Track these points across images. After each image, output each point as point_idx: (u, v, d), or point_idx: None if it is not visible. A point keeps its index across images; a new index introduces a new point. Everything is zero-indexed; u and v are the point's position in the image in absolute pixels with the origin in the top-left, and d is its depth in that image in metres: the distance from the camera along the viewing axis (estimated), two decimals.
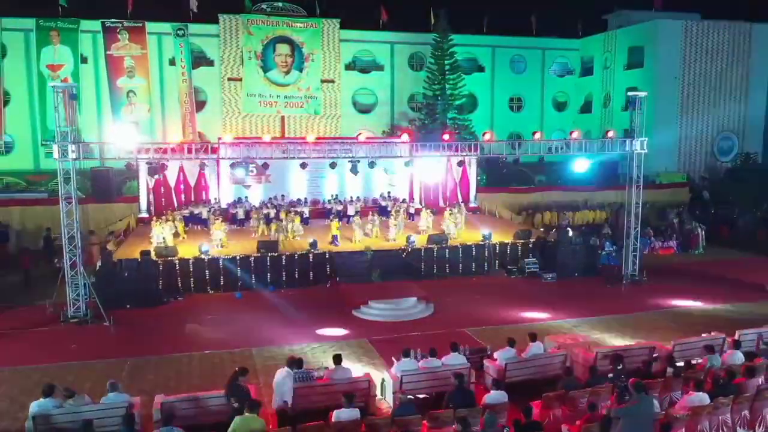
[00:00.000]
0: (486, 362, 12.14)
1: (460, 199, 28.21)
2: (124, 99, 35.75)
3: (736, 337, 13.21)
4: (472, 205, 28.54)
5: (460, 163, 25.40)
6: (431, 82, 38.05)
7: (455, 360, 11.53)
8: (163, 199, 25.08)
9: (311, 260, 19.63)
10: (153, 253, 18.48)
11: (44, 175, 31.87)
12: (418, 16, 40.76)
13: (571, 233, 21.81)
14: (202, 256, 18.74)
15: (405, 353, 11.42)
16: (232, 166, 19.62)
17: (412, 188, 28.52)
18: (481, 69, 42.04)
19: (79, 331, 15.27)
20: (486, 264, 21.24)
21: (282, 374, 10.54)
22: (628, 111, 38.23)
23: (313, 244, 19.82)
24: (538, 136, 22.10)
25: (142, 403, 10.28)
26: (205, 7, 36.60)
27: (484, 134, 23.56)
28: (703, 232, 25.45)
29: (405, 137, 25.51)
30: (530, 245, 21.61)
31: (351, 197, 26.41)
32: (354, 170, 19.35)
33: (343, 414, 9.21)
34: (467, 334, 15.27)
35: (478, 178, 36.04)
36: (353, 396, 9.41)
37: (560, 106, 44.53)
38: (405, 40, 40.09)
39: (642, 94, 19.74)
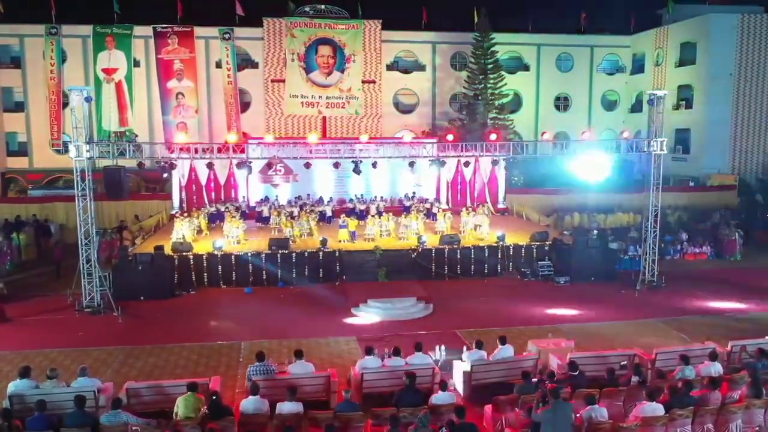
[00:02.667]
0: (455, 363, 12.15)
1: (488, 200, 27.96)
2: (173, 100, 37.41)
3: (728, 348, 12.68)
4: (500, 206, 28.22)
5: (495, 162, 25.05)
6: (471, 82, 37.80)
7: (419, 360, 11.60)
8: (194, 197, 26.16)
9: (321, 258, 20.04)
10: (170, 248, 19.36)
11: (98, 174, 33.86)
12: (462, 16, 40.56)
13: (588, 236, 21.20)
14: (215, 252, 19.49)
15: (368, 351, 11.61)
16: (238, 166, 20.28)
17: (439, 188, 28.45)
18: (525, 68, 41.34)
19: (89, 320, 16.28)
20: (499, 266, 21.01)
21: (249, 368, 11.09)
22: (679, 109, 37.61)
23: (324, 243, 20.22)
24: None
25: (115, 388, 10.92)
26: (251, 11, 37.78)
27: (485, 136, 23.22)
28: (741, 238, 24.09)
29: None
30: (546, 248, 21.21)
31: (375, 197, 26.66)
32: (357, 170, 19.62)
33: (285, 407, 9.51)
34: (458, 336, 15.27)
35: (515, 178, 35.75)
36: (295, 390, 9.69)
37: (610, 105, 43.16)
38: (447, 39, 39.93)
39: (661, 93, 19.06)
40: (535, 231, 21.89)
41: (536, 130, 40.92)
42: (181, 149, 21.38)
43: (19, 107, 36.46)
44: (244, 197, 26.73)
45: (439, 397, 9.88)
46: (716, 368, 11.11)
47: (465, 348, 12.53)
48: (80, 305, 16.81)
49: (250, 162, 19.74)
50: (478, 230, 22.53)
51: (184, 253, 19.37)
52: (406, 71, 40.47)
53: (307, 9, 37.75)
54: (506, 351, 11.95)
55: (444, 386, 9.96)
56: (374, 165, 20.37)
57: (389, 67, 39.96)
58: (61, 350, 14.04)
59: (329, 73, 38.56)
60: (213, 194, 26.43)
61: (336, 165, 20.44)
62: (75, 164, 16.50)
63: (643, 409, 9.41)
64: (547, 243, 21.33)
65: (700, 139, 36.53)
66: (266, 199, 26.43)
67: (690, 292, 19.19)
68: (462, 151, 23.97)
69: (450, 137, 23.17)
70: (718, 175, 34.71)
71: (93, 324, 15.99)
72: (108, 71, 36.45)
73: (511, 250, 21.11)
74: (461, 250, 20.80)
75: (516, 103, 41.44)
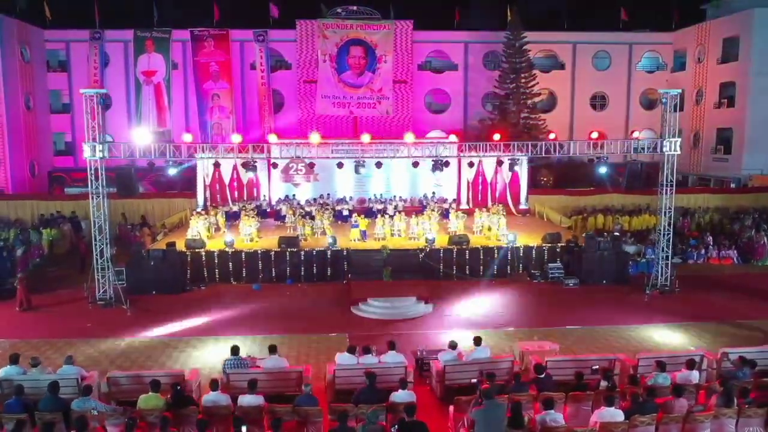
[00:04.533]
0: (432, 363, 12.21)
1: (510, 200, 27.70)
2: (209, 101, 38.56)
3: (718, 355, 12.29)
4: (522, 206, 27.90)
5: (515, 163, 24.74)
6: (503, 81, 37.44)
7: (392, 358, 11.72)
8: (218, 195, 26.95)
9: (329, 257, 20.34)
10: (183, 245, 20.05)
11: (139, 173, 35.31)
12: (495, 14, 40.21)
13: (600, 238, 20.75)
14: (227, 249, 20.06)
15: (349, 349, 11.82)
16: (243, 166, 20.79)
17: (460, 188, 28.34)
18: (561, 66, 40.62)
19: (99, 313, 17.07)
20: (509, 267, 20.82)
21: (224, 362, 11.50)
22: (720, 108, 36.18)
23: (333, 241, 20.51)
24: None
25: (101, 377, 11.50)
26: (284, 13, 38.52)
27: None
28: None
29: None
30: (558, 249, 20.90)
31: (394, 196, 26.83)
32: (357, 170, 19.84)
33: (245, 399, 9.83)
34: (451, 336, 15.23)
35: (544, 179, 35.21)
36: (255, 383, 10.00)
37: (650, 104, 41.90)
38: (480, 39, 39.62)
39: (674, 91, 18.43)
40: (547, 232, 21.54)
41: (571, 130, 40.21)
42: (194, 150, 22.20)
43: (66, 109, 38.36)
44: (265, 196, 27.34)
45: (397, 395, 9.98)
46: (693, 376, 10.81)
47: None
48: (93, 298, 17.62)
49: (255, 162, 20.23)
50: (492, 231, 22.34)
51: (196, 250, 20.02)
52: (438, 71, 40.46)
53: (339, 10, 38.16)
54: (481, 352, 11.92)
55: (404, 384, 10.05)
56: (378, 165, 20.50)
57: (421, 67, 40.02)
58: (68, 340, 14.81)
59: (360, 74, 38.90)
60: (236, 193, 27.14)
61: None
62: (89, 163, 17.32)
63: (601, 414, 9.28)
64: (559, 245, 20.98)
65: (742, 139, 35.04)
66: (286, 198, 26.96)
67: (704, 297, 18.60)
68: (485, 151, 23.76)
69: (453, 137, 23.00)
70: (760, 177, 33.22)
71: (101, 316, 16.76)
72: (147, 74, 37.90)
73: (521, 251, 20.88)
74: (470, 251, 20.72)
75: (551, 103, 40.82)
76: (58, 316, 16.88)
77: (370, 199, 27.37)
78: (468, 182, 28.09)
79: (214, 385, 9.92)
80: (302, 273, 20.25)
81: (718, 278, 20.95)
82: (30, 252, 22.39)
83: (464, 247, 20.74)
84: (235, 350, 11.50)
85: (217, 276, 20.05)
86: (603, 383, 10.45)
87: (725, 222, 26.69)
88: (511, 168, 25.77)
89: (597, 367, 10.98)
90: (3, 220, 25.45)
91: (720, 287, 19.72)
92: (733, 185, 34.19)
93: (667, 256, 19.03)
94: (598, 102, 41.18)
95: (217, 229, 22.95)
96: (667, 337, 15.12)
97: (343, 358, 11.67)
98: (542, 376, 10.49)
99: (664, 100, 18.48)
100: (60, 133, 38.86)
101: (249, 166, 19.80)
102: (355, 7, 38.33)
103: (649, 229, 25.06)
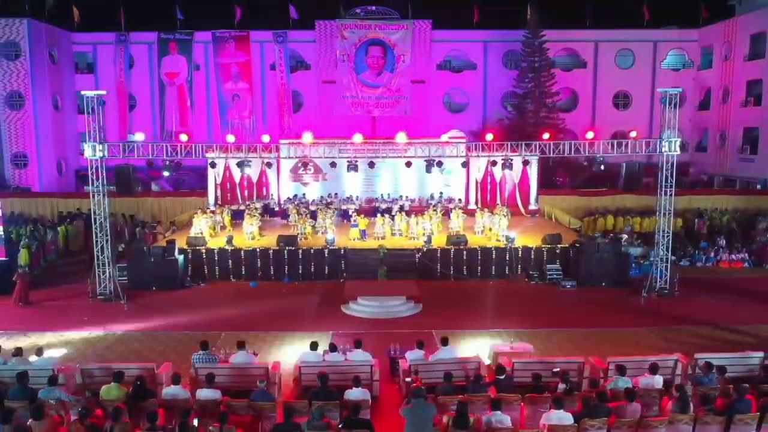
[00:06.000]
0: (401, 362, 12.28)
1: (519, 201, 27.49)
2: (230, 102, 39.29)
3: (692, 360, 12.00)
4: (531, 207, 27.62)
5: (525, 162, 24.48)
6: (521, 80, 37.11)
7: (358, 356, 11.84)
8: (228, 194, 27.49)
9: (326, 255, 20.55)
10: (185, 243, 20.55)
11: (157, 171, 36.31)
12: (514, 13, 39.77)
13: (600, 240, 20.43)
14: (227, 247, 20.48)
15: (311, 346, 12.00)
16: (238, 165, 21.16)
17: (468, 188, 28.22)
18: (582, 64, 39.99)
19: (98, 307, 17.67)
20: (507, 268, 20.68)
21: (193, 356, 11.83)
22: (747, 106, 35.06)
23: (331, 241, 20.72)
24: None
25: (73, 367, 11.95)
26: (304, 14, 38.96)
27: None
28: None
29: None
30: (557, 251, 20.66)
31: (400, 196, 26.93)
32: (350, 169, 20.00)
33: (203, 393, 10.09)
34: (432, 336, 15.26)
35: (560, 179, 34.76)
36: (213, 376, 10.26)
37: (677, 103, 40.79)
38: (499, 37, 39.30)
39: (673, 90, 18.03)
40: (548, 233, 21.32)
41: (593, 129, 39.44)
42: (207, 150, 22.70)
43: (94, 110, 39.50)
44: (273, 195, 27.75)
45: (351, 393, 10.10)
46: (656, 381, 10.61)
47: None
48: (93, 293, 18.24)
49: (249, 162, 20.61)
50: (492, 231, 22.21)
51: (197, 248, 20.50)
52: (457, 70, 40.32)
53: (358, 11, 38.40)
54: (447, 352, 11.95)
55: (357, 382, 10.16)
56: (371, 165, 20.64)
57: (440, 67, 39.99)
58: (59, 333, 15.39)
59: (379, 74, 39.07)
60: (246, 192, 27.63)
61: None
62: (90, 163, 17.93)
63: (549, 416, 9.24)
64: (559, 246, 20.74)
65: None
66: (295, 197, 27.33)
67: (704, 301, 18.15)
68: (492, 150, 23.55)
69: (490, 136, 22.50)
70: None
71: (99, 310, 17.34)
72: (170, 75, 38.86)
73: (520, 252, 20.71)
74: (468, 251, 20.66)
75: (572, 102, 40.23)
76: (58, 309, 17.51)
77: (377, 198, 27.47)
78: (477, 182, 27.92)
79: (176, 378, 10.21)
80: (300, 271, 20.51)
81: (724, 282, 20.40)
82: (45, 248, 23.26)
83: (462, 247, 20.69)
84: (204, 345, 11.78)
85: (217, 273, 20.48)
86: (561, 386, 10.38)
87: (739, 224, 25.89)
88: (526, 164, 25.40)
89: (558, 369, 10.87)
90: (24, 217, 26.49)
91: (724, 291, 19.22)
92: (759, 186, 33.11)
93: (666, 259, 18.62)
94: (621, 101, 40.35)
95: (223, 227, 23.41)
96: (653, 340, 14.82)
97: (307, 356, 11.85)
98: (502, 377, 10.45)
99: (663, 99, 18.09)
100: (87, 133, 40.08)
101: (243, 165, 20.16)
102: (373, 7, 38.50)
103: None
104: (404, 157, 21.45)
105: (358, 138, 20.07)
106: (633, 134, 19.29)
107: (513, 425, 9.73)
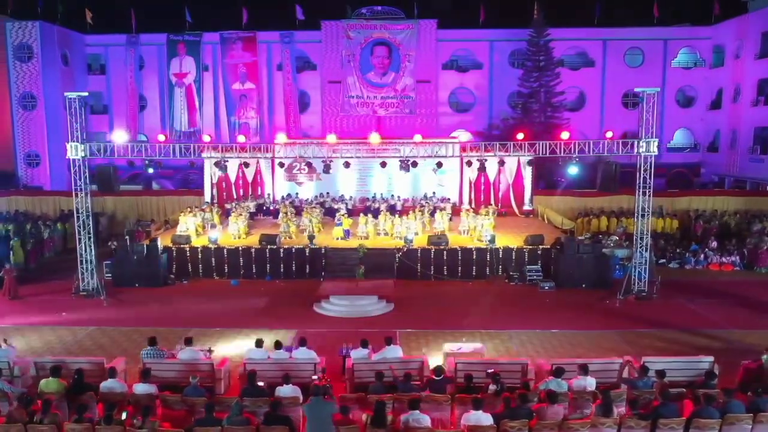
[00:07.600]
0: (346, 360, 12.41)
1: (513, 201, 27.36)
2: (237, 102, 39.85)
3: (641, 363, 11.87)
4: (526, 207, 27.46)
5: (501, 163, 24.34)
6: (526, 79, 36.83)
7: (302, 354, 12.00)
8: (224, 193, 27.95)
9: (307, 254, 20.77)
10: (170, 241, 20.99)
11: (169, 171, 37.08)
12: (521, 11, 39.49)
13: (579, 241, 20.21)
14: (210, 246, 20.86)
15: (257, 343, 12.22)
16: (216, 165, 21.48)
17: (462, 189, 28.15)
18: (590, 63, 39.49)
19: (78, 303, 18.17)
20: (488, 269, 20.61)
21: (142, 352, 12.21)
22: (757, 106, 34.21)
23: (311, 239, 20.94)
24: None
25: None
26: (310, 14, 39.30)
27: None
28: None
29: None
30: (538, 252, 20.52)
31: (392, 195, 27.02)
32: (326, 171, 20.20)
33: (139, 387, 10.39)
34: (396, 335, 15.33)
35: (562, 180, 34.34)
36: (149, 371, 10.55)
37: (687, 102, 40.15)
38: (505, 37, 39.06)
39: (651, 90, 17.75)
40: (530, 234, 21.19)
41: (601, 129, 38.96)
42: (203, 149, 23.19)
43: (105, 110, 40.61)
44: (268, 194, 28.10)
45: (282, 390, 10.27)
46: (589, 383, 10.54)
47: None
48: (76, 289, 18.77)
49: (226, 161, 20.95)
50: (476, 231, 22.16)
51: (182, 246, 20.91)
52: (463, 70, 40.20)
53: (363, 11, 38.57)
54: (392, 351, 12.04)
55: (287, 379, 10.33)
56: (346, 165, 20.79)
57: (446, 66, 39.92)
58: (34, 326, 15.91)
59: (384, 74, 39.17)
60: (241, 191, 28.05)
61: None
62: (71, 163, 18.46)
63: (467, 417, 9.30)
64: (541, 247, 20.60)
65: None
66: (288, 196, 27.63)
67: (682, 304, 17.84)
68: (483, 151, 23.52)
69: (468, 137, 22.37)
70: None
71: (78, 306, 17.81)
72: (179, 76, 39.59)
73: (501, 252, 20.62)
74: (448, 251, 20.66)
75: (579, 101, 39.78)
76: (40, 304, 18.05)
77: (370, 198, 27.60)
78: (470, 183, 27.84)
79: (111, 372, 10.51)
80: (281, 270, 20.77)
81: (709, 285, 19.99)
82: (44, 245, 24.01)
83: (442, 247, 20.70)
84: (152, 341, 12.10)
85: (201, 271, 20.86)
86: (492, 387, 10.39)
87: (736, 226, 25.32)
88: (531, 164, 25.22)
89: (492, 370, 10.87)
90: (22, 215, 27.36)
91: (707, 294, 18.83)
92: None
93: (646, 260, 18.36)
94: (630, 100, 39.71)
95: (214, 225, 23.81)
96: (616, 343, 14.65)
97: (253, 353, 12.07)
98: (439, 378, 10.50)
99: (641, 99, 17.86)
100: (101, 133, 41.05)
101: (220, 165, 20.49)
102: (379, 7, 38.60)
103: (656, 233, 24.12)
104: (379, 157, 21.49)
105: (375, 138, 20.42)
106: (609, 134, 18.91)
107: (442, 425, 9.86)
